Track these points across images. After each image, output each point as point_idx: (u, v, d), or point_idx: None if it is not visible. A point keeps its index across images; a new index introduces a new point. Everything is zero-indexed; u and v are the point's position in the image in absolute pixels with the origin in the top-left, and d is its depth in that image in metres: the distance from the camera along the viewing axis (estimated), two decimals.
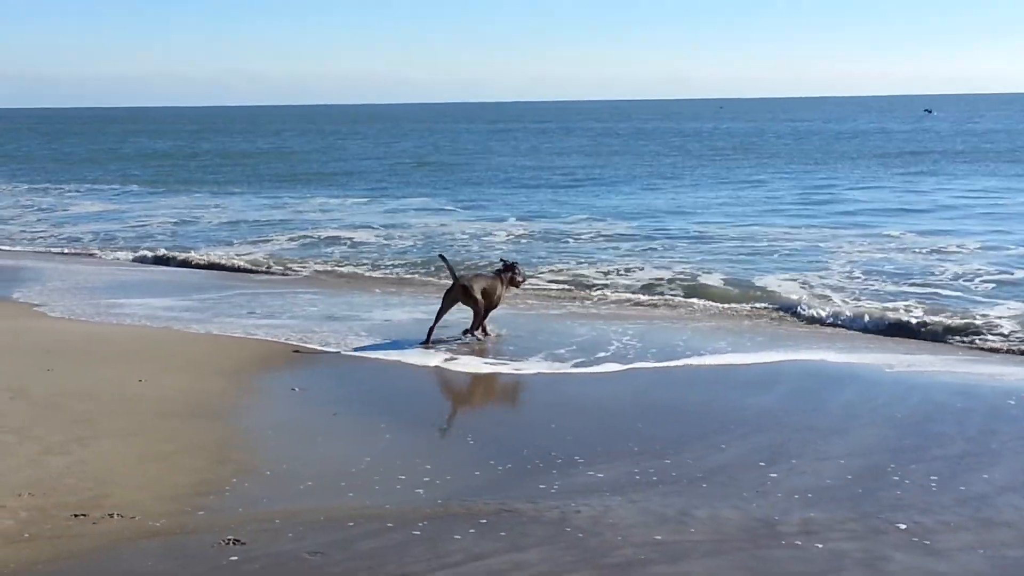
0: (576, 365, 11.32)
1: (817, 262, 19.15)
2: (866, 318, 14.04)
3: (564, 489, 7.44)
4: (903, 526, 6.74)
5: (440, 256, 13.79)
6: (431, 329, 12.33)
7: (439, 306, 12.50)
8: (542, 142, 77.49)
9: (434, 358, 11.65)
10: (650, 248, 21.79)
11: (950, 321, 13.64)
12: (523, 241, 23.25)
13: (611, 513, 6.98)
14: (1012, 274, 17.38)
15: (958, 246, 20.93)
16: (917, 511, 6.98)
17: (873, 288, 16.43)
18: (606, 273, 18.34)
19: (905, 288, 16.36)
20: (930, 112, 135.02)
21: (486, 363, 11.51)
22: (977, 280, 16.87)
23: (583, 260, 20.03)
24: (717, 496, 7.31)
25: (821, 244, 21.67)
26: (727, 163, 50.93)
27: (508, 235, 24.10)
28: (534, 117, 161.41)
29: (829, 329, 13.87)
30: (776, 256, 20.15)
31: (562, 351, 11.90)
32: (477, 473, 7.83)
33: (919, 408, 9.56)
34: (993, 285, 16.43)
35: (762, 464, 7.97)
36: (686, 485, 7.54)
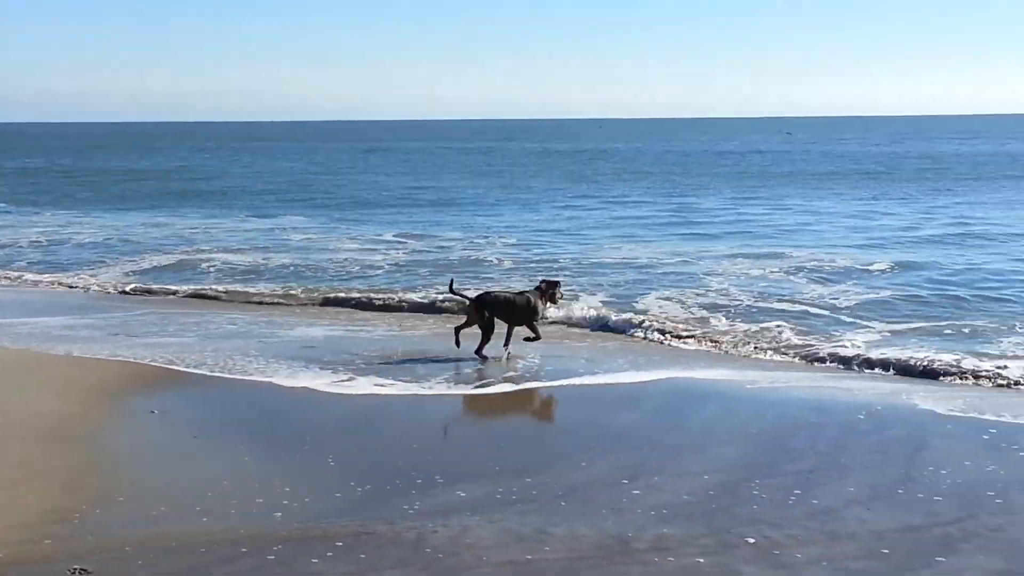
0: (443, 386, 11.37)
1: (694, 281, 19.46)
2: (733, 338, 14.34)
3: (423, 510, 7.47)
4: (752, 540, 6.90)
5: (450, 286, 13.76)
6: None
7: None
8: (424, 159, 77.54)
9: (305, 379, 11.57)
10: (531, 266, 21.94)
11: (801, 340, 14.13)
12: (403, 260, 23.17)
13: (469, 533, 7.03)
14: (878, 293, 17.85)
15: (827, 263, 21.47)
16: (768, 525, 7.15)
17: (746, 305, 16.75)
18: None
19: (774, 305, 16.74)
20: (790, 135, 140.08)
21: (355, 383, 11.47)
22: (843, 298, 17.27)
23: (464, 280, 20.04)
24: (575, 514, 7.40)
25: (697, 263, 22.05)
26: (607, 184, 51.49)
27: (385, 256, 23.96)
28: (410, 136, 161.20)
29: (694, 346, 14.09)
30: (655, 276, 20.40)
31: (426, 371, 11.96)
32: (337, 495, 7.81)
33: (775, 424, 9.80)
34: (856, 303, 16.84)
35: (622, 482, 8.09)
36: (545, 504, 7.62)
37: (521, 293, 13.16)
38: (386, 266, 22.05)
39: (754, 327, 14.95)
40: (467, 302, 13.07)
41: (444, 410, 10.60)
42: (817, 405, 10.52)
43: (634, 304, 16.75)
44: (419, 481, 8.07)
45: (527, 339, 12.82)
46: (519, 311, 12.84)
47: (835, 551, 6.74)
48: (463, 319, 13.16)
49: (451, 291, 13.38)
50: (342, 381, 11.53)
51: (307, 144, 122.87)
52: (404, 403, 10.76)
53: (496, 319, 12.72)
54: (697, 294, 17.75)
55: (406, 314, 16.64)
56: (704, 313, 16.01)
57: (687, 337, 14.45)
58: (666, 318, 15.62)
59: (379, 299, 17.64)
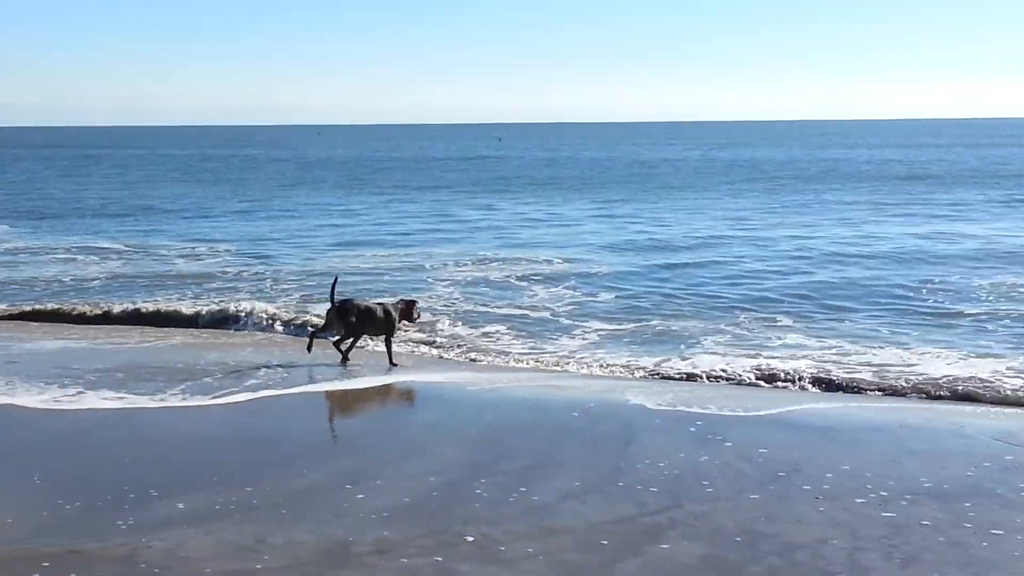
0: (176, 398, 11.03)
1: (422, 285, 19.62)
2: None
3: (137, 525, 7.23)
4: (472, 538, 7.02)
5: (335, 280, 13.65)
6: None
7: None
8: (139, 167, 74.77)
9: (17, 396, 10.95)
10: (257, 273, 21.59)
11: (521, 342, 14.57)
12: (120, 271, 22.30)
13: (185, 546, 6.86)
14: (596, 296, 18.50)
15: (546, 262, 22.08)
16: (487, 523, 7.29)
17: (466, 310, 17.02)
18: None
19: (496, 309, 17.09)
20: (500, 139, 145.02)
21: (83, 398, 10.96)
22: (561, 302, 17.78)
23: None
24: (296, 521, 7.33)
25: (424, 267, 22.27)
26: (328, 191, 51.22)
27: (101, 268, 22.99)
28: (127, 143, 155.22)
29: (425, 349, 14.21)
30: (383, 281, 20.43)
31: (166, 383, 11.61)
32: (44, 514, 7.46)
33: (493, 424, 9.99)
34: (574, 306, 17.38)
35: (344, 487, 8.07)
36: (265, 513, 7.52)
37: (381, 304, 13.22)
38: (102, 277, 21.17)
39: (475, 331, 15.24)
40: (331, 305, 12.90)
41: (167, 422, 10.22)
42: (534, 404, 10.81)
43: None
44: (132, 496, 7.80)
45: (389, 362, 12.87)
46: (377, 321, 12.90)
47: (552, 545, 6.93)
48: (320, 323, 13.18)
49: (332, 292, 13.06)
50: (67, 397, 11.00)
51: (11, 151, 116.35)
52: (125, 417, 10.36)
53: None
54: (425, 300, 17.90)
55: (118, 327, 16.04)
56: (427, 316, 16.16)
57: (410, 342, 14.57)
58: None
59: (87, 311, 16.99)
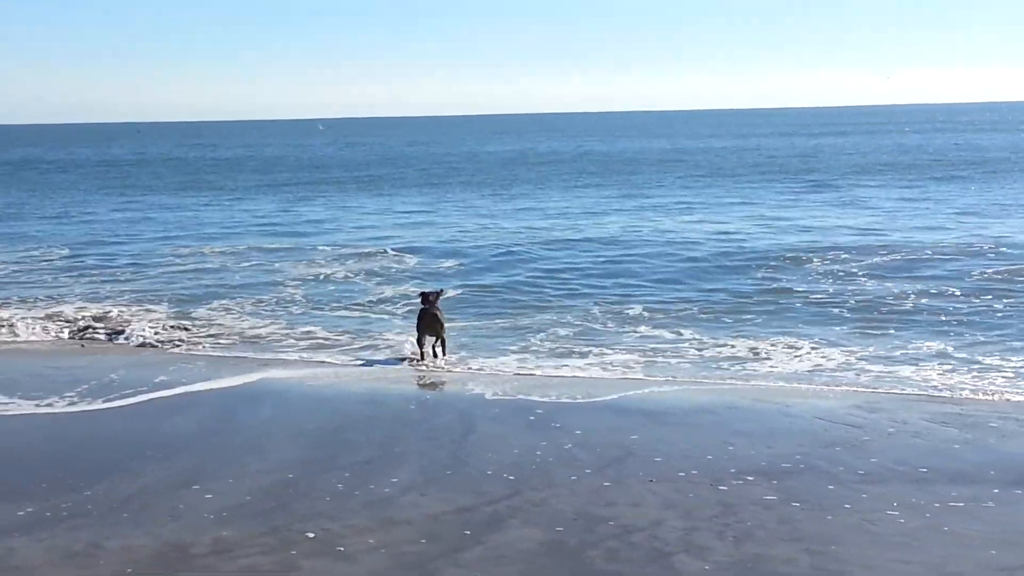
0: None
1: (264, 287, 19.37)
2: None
3: None
4: (313, 534, 6.98)
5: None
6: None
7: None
8: None
9: None
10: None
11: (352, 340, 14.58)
12: None
13: (15, 554, 6.67)
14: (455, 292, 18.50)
15: (390, 264, 22.00)
16: (327, 518, 7.26)
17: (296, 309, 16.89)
18: None
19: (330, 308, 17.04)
20: (322, 129, 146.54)
21: None
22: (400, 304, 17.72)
23: None
24: (131, 525, 7.18)
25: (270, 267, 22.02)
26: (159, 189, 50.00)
27: None
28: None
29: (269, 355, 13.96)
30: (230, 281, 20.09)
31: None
32: None
33: (331, 420, 9.94)
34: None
35: (179, 488, 7.92)
36: (99, 517, 7.34)
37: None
38: None
39: (300, 329, 15.15)
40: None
41: None
42: (371, 399, 10.79)
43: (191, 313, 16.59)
44: None
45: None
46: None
47: (393, 537, 6.94)
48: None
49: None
50: None
51: None
52: None
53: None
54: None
55: None
56: (253, 320, 15.99)
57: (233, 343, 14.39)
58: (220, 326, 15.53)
59: None
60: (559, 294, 18.09)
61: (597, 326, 15.22)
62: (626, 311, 16.19)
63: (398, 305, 17.33)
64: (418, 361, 12.91)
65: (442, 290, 14.14)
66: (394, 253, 23.69)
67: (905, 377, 11.90)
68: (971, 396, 10.99)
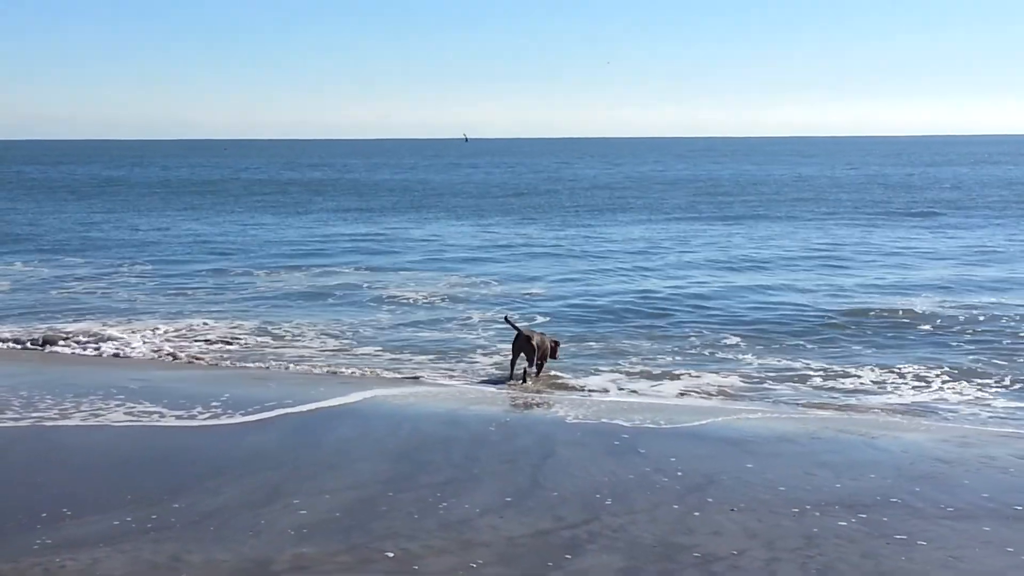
0: (76, 418, 10.77)
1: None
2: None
3: (50, 544, 7.07)
4: (392, 554, 6.97)
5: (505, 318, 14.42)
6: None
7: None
8: None
9: None
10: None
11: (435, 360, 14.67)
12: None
13: (100, 565, 6.73)
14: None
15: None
16: (405, 538, 7.25)
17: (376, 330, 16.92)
18: None
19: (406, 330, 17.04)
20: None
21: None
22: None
23: None
24: (212, 539, 7.22)
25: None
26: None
27: None
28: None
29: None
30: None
31: (53, 402, 11.32)
32: None
33: (409, 439, 9.94)
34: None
35: (260, 504, 7.97)
36: (181, 531, 7.40)
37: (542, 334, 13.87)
38: None
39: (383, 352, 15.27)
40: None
41: (73, 442, 10.01)
42: (450, 419, 10.77)
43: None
44: (44, 515, 7.62)
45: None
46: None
47: (470, 559, 6.91)
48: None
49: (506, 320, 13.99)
50: None
51: None
52: (29, 435, 10.11)
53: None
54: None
55: None
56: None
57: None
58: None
59: None
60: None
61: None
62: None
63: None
64: (509, 382, 13.08)
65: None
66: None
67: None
68: None
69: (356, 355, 14.97)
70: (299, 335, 16.40)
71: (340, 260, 26.73)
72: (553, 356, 13.78)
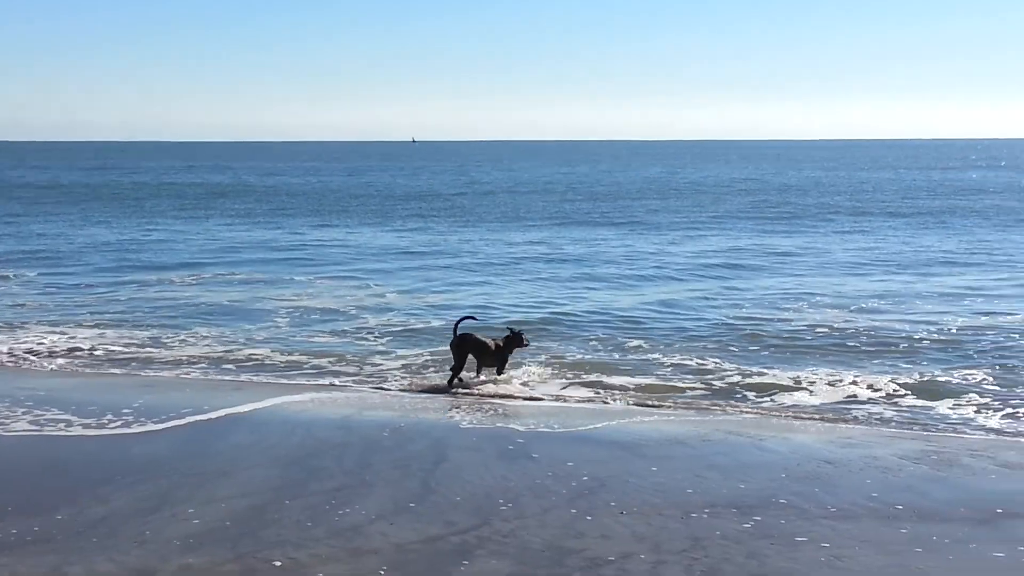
0: None
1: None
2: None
3: None
4: (279, 563, 6.92)
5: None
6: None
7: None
8: None
9: None
10: None
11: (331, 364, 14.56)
12: None
13: None
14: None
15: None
16: (293, 546, 7.20)
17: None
18: None
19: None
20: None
21: None
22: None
23: None
24: (95, 550, 7.11)
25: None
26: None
27: None
28: None
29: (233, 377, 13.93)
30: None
31: None
32: None
33: (303, 445, 9.89)
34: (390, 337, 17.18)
35: (147, 513, 7.86)
36: (63, 542, 7.27)
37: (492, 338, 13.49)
38: None
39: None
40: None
41: None
42: (343, 425, 10.72)
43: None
44: None
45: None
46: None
47: (359, 567, 6.89)
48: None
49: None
50: None
51: None
52: None
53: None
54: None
55: None
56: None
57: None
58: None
59: None
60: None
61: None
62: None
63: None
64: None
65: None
66: None
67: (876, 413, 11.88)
68: (942, 433, 10.96)
69: (251, 362, 14.74)
70: (192, 342, 16.11)
71: (236, 267, 26.29)
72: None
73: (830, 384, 13.12)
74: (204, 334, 16.76)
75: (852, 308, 19.15)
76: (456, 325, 13.39)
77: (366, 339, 16.56)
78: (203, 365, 14.51)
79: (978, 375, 13.61)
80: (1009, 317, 18.05)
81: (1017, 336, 16.26)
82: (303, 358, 14.90)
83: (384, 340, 16.46)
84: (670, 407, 12.11)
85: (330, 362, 14.66)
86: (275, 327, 17.56)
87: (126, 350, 15.49)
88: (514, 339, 13.37)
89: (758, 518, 7.84)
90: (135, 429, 10.50)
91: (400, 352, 15.42)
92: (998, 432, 11.02)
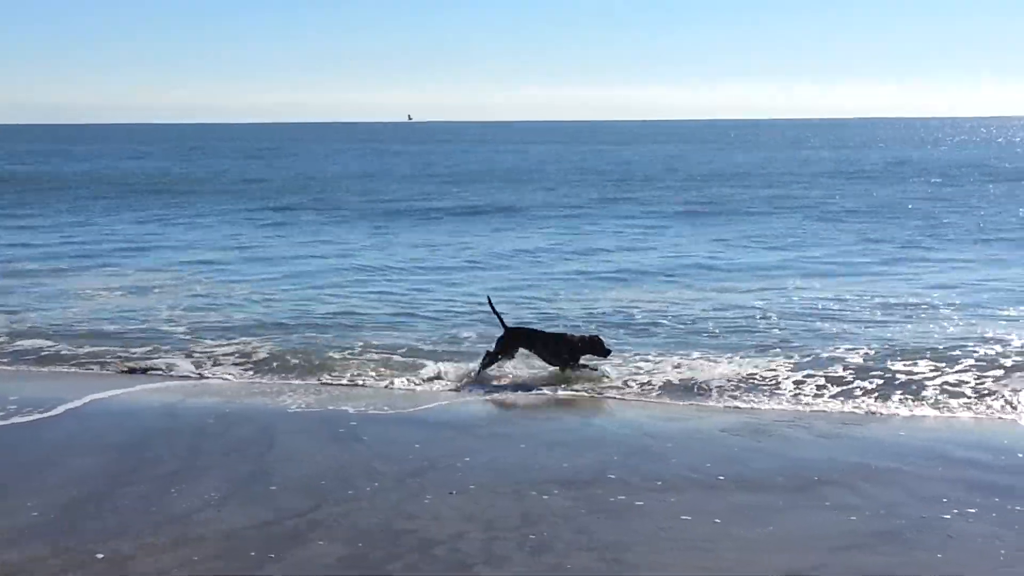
0: None
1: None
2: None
3: None
4: (102, 555, 6.77)
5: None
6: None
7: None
8: None
9: None
10: None
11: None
12: None
13: None
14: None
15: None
16: (118, 538, 7.06)
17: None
18: None
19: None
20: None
21: None
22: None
23: None
24: None
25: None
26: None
27: None
28: None
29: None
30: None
31: None
32: None
33: (134, 434, 9.69)
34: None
35: None
36: None
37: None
38: None
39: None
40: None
41: None
42: (169, 411, 10.57)
43: None
44: None
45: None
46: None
47: (188, 555, 6.78)
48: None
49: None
50: None
51: None
52: None
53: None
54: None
55: None
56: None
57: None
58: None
59: None
60: None
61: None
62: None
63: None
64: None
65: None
66: None
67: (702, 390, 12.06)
68: (760, 405, 11.23)
69: (77, 352, 14.06)
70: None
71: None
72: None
73: (655, 364, 13.16)
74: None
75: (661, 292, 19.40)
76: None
77: (173, 327, 15.90)
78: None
79: (793, 354, 13.69)
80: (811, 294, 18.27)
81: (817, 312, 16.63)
82: (123, 347, 14.25)
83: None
84: (505, 386, 12.09)
85: (147, 351, 13.94)
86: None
87: None
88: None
89: (588, 493, 8.00)
90: None
91: (209, 343, 14.75)
92: (811, 403, 11.29)
